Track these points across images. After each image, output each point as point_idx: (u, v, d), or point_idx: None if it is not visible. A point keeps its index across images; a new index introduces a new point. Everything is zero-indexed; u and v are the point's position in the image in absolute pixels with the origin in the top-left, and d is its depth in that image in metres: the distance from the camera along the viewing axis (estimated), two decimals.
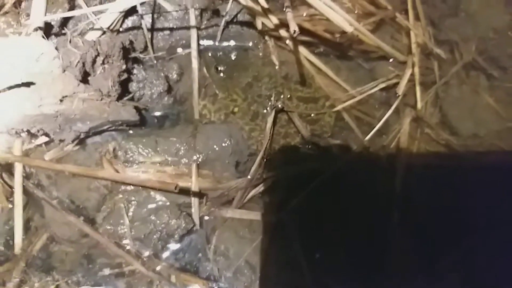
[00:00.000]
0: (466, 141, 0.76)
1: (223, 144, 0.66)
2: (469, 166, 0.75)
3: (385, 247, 0.71)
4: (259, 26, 0.70)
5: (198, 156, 0.64)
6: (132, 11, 0.70)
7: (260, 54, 0.73)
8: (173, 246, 0.65)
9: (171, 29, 0.70)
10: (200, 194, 0.64)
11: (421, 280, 0.77)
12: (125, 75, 0.66)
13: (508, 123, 0.76)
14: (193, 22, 0.68)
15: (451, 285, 0.79)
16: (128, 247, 0.63)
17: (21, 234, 0.66)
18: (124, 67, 0.65)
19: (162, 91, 0.68)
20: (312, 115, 0.72)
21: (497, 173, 0.75)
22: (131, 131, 0.71)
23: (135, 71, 0.70)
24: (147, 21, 0.69)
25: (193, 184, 0.62)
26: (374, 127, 0.74)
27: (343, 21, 0.64)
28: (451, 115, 0.77)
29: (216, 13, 0.71)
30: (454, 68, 0.76)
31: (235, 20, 0.70)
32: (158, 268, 0.63)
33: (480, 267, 0.78)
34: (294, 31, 0.60)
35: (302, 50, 0.72)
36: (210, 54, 0.72)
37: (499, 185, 0.75)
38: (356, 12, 0.75)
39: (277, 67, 0.72)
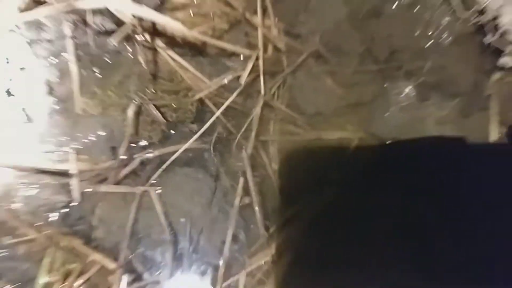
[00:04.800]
0: (310, 119, 0.95)
1: (99, 133, 0.84)
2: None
3: None
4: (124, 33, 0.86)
5: (76, 144, 0.82)
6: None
7: (130, 56, 0.89)
8: (61, 216, 0.85)
9: (50, 40, 0.86)
10: (79, 175, 0.82)
11: None
12: None
13: (344, 101, 0.95)
14: (68, 33, 0.83)
15: None
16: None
17: None
18: None
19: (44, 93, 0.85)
20: (173, 104, 0.89)
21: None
22: None
23: None
24: (27, 35, 0.85)
25: (71, 166, 0.80)
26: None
27: (181, 29, 0.81)
28: (298, 98, 0.96)
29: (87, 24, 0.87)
30: (300, 58, 0.94)
31: (104, 29, 0.85)
32: (50, 234, 0.83)
33: None
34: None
35: (165, 50, 0.89)
36: (87, 58, 0.89)
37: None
38: (211, 14, 0.92)
39: (144, 66, 0.88)
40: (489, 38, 0.90)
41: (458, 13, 0.93)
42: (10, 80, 0.84)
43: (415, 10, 0.96)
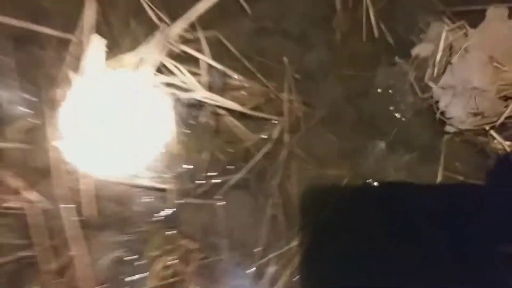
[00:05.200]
0: (318, 160, 1.33)
1: (185, 166, 1.29)
2: None
3: None
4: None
5: (172, 172, 1.31)
6: None
7: (203, 118, 1.39)
8: (163, 216, 1.23)
9: None
10: (173, 191, 1.29)
11: None
12: None
13: (341, 151, 1.32)
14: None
15: None
16: None
17: None
18: None
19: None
20: (231, 150, 1.30)
21: None
22: None
23: None
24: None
25: (169, 186, 1.28)
26: None
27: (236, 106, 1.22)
28: (311, 147, 1.26)
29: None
30: (312, 122, 1.30)
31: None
32: (156, 227, 1.30)
33: None
34: None
35: (226, 116, 1.27)
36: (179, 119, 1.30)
37: None
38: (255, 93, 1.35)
39: (212, 125, 1.33)
40: (437, 114, 1.23)
41: (418, 95, 1.27)
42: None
43: (390, 91, 1.30)
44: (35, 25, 1.30)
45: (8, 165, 1.22)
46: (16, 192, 1.20)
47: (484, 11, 1.24)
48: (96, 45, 1.23)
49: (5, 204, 1.19)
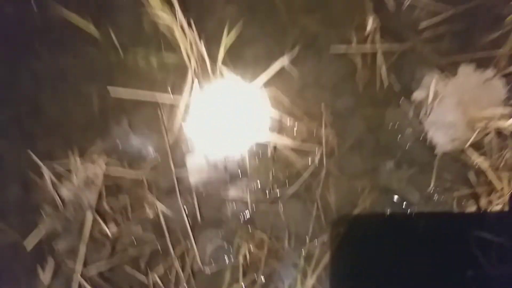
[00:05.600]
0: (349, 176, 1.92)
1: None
2: None
3: None
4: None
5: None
6: None
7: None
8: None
9: None
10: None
11: None
12: None
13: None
14: None
15: None
16: None
17: None
18: None
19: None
20: (285, 173, 1.94)
21: None
22: None
23: None
24: None
25: (246, 196, 1.89)
26: None
27: (287, 143, 1.78)
28: (344, 165, 1.91)
29: None
30: (343, 149, 1.91)
31: None
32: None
33: None
34: None
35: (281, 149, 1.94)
36: None
37: None
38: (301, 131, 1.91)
39: (271, 158, 1.96)
40: (427, 141, 1.56)
41: (416, 128, 1.63)
42: None
43: (396, 126, 1.66)
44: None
45: (147, 186, 1.70)
46: (151, 203, 1.68)
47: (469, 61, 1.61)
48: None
49: (146, 212, 1.68)
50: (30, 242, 1.62)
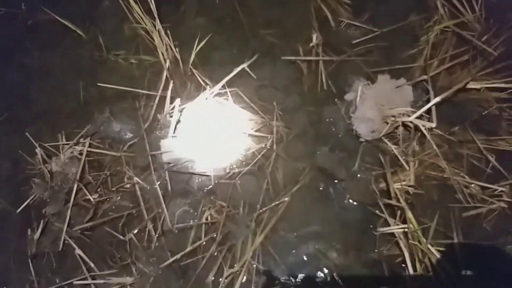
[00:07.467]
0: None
1: None
2: None
3: None
4: None
5: None
6: None
7: None
8: None
9: None
10: None
11: None
12: None
13: None
14: None
15: None
16: None
17: None
18: None
19: None
20: None
21: None
22: None
23: None
24: None
25: None
26: None
27: None
28: None
29: None
30: (290, 137, 2.36)
31: None
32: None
33: None
34: None
35: None
36: None
37: None
38: None
39: None
40: (353, 131, 1.94)
41: (346, 121, 1.98)
42: None
43: (332, 120, 2.19)
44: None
45: (124, 163, 2.00)
46: (130, 178, 2.01)
47: (387, 71, 2.00)
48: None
49: (125, 184, 2.01)
50: (20, 208, 1.92)
